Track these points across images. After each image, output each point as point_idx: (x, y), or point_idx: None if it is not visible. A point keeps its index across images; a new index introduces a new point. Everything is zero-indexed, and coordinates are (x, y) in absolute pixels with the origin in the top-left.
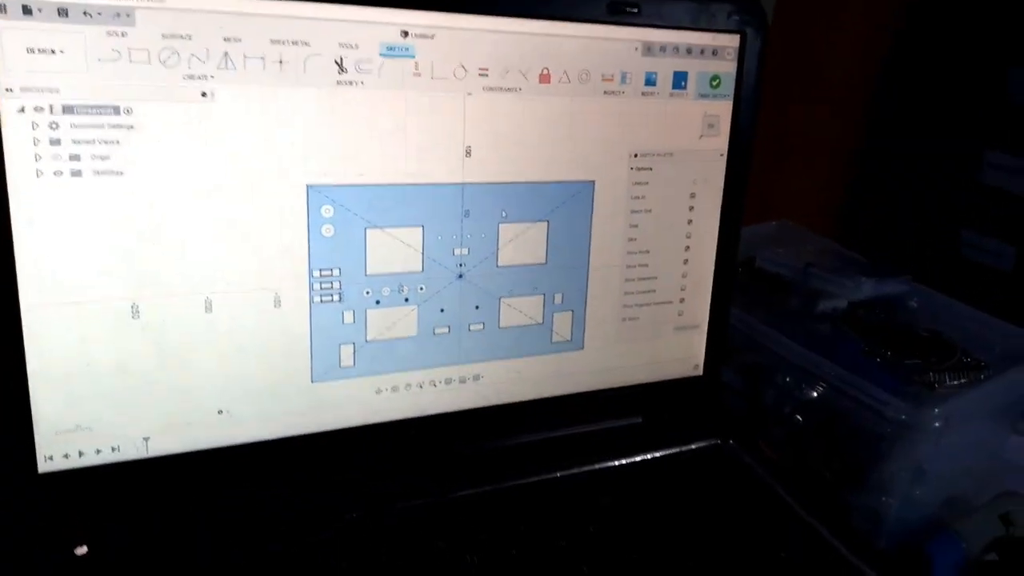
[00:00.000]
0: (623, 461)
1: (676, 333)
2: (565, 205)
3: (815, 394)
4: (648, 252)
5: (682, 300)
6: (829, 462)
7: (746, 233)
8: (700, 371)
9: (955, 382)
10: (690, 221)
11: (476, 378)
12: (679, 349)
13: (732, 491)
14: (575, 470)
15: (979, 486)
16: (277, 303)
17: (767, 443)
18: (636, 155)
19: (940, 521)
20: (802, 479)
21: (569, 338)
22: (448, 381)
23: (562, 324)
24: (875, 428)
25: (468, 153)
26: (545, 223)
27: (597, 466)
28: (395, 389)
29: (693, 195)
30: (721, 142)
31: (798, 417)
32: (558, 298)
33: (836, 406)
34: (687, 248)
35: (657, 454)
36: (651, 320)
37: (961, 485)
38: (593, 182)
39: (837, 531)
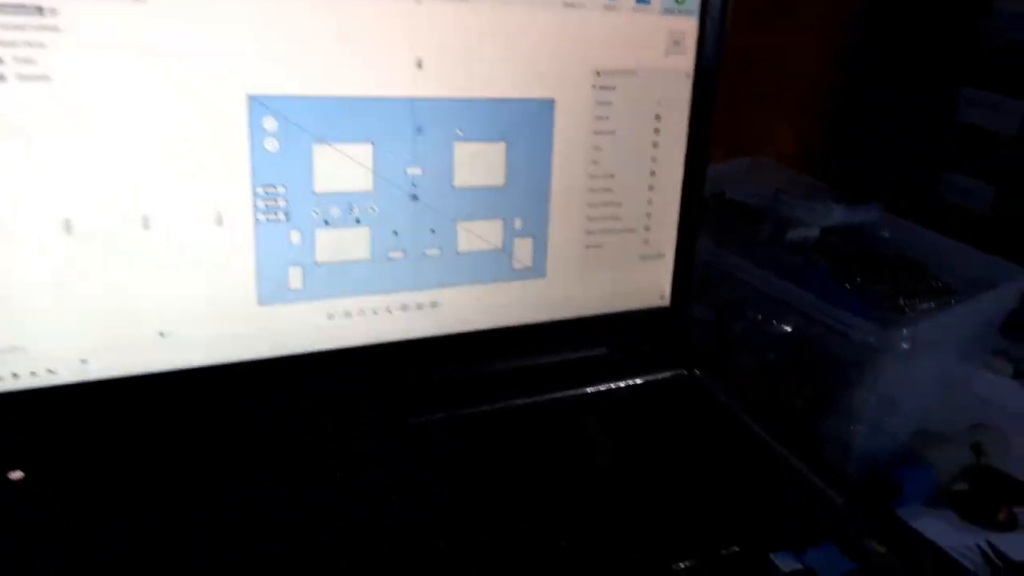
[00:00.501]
0: (586, 390)
1: (642, 262)
2: (524, 124)
3: (784, 322)
4: (612, 176)
5: (647, 228)
6: (800, 390)
7: (718, 170)
8: (667, 302)
9: (924, 306)
10: (655, 144)
11: (434, 305)
12: (645, 279)
13: (697, 421)
14: (536, 399)
15: (951, 419)
16: (219, 221)
17: (737, 373)
18: (598, 73)
19: (912, 451)
20: (773, 408)
21: (530, 265)
22: (404, 307)
23: (523, 250)
24: (844, 354)
25: (419, 65)
26: (503, 143)
27: (559, 395)
28: (348, 315)
29: (658, 117)
30: (687, 62)
31: (768, 346)
32: (518, 223)
33: (806, 333)
34: (652, 173)
35: (621, 384)
36: (616, 248)
37: (933, 417)
38: (553, 100)
39: (804, 457)
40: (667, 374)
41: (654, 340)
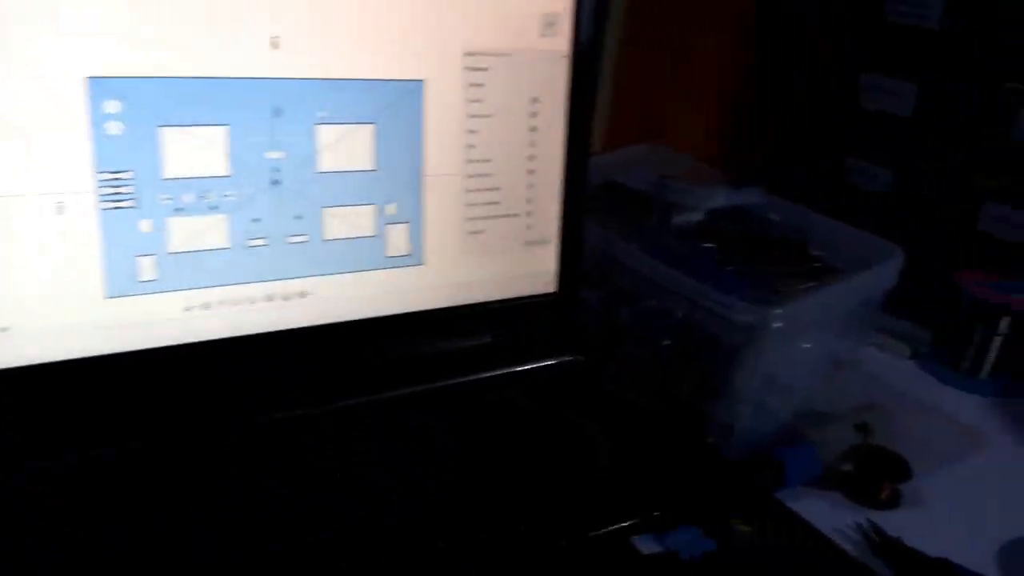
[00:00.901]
0: (472, 378)
1: (526, 248)
2: (392, 106)
3: (671, 307)
4: (490, 161)
5: (530, 213)
6: (687, 375)
7: (616, 156)
8: (553, 288)
9: (803, 286)
10: (534, 128)
11: (302, 295)
12: (531, 265)
13: (583, 408)
14: (412, 390)
15: (838, 399)
16: (60, 210)
17: (626, 359)
18: (470, 53)
19: (797, 432)
20: (660, 393)
21: (407, 252)
22: (270, 298)
23: (398, 237)
24: (726, 337)
25: (275, 44)
26: (372, 126)
27: (440, 384)
28: (207, 306)
29: (536, 100)
30: (563, 43)
31: (656, 331)
32: (391, 209)
33: (692, 318)
34: (532, 158)
35: (508, 371)
36: (498, 234)
37: (819, 398)
38: (422, 81)
39: (688, 442)
40: (555, 361)
41: (542, 327)
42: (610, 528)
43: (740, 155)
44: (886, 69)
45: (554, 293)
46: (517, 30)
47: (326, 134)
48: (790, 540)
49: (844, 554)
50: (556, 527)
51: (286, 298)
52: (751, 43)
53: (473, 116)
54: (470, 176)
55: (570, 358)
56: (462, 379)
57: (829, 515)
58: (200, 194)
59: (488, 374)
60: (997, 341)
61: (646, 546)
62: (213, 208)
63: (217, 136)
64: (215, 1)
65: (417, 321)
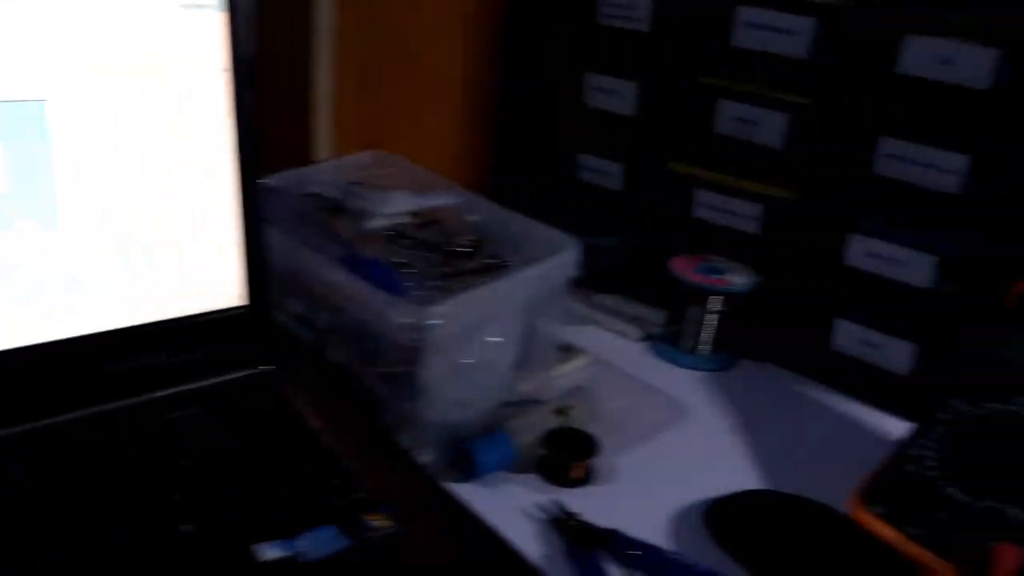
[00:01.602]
0: (160, 394)
1: (206, 263)
2: (16, 126)
3: (357, 313)
4: (145, 177)
5: (204, 228)
6: (380, 377)
7: (337, 163)
8: (242, 301)
9: (473, 283)
10: (191, 145)
11: None
12: (213, 280)
13: (273, 419)
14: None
15: (542, 388)
16: None
17: (324, 366)
18: (105, 68)
19: (497, 421)
20: (358, 397)
21: (74, 276)
22: None
23: (52, 259)
24: (400, 337)
25: None
26: None
27: (118, 404)
28: None
29: (187, 111)
30: (218, 57)
31: (348, 338)
32: (29, 229)
33: (375, 323)
34: (199, 171)
35: (198, 385)
36: (174, 250)
37: (517, 388)
38: (44, 101)
39: (381, 442)
40: (246, 373)
41: (233, 339)
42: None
43: (476, 158)
44: (607, 69)
45: (244, 306)
46: (164, 43)
47: None
48: (439, 531)
49: (500, 540)
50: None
51: None
52: (483, 46)
53: (119, 129)
54: (132, 195)
55: (261, 369)
56: (147, 396)
57: (523, 498)
58: None
59: (175, 390)
60: (711, 319)
61: (269, 552)
62: None
63: None
64: None
65: (100, 341)
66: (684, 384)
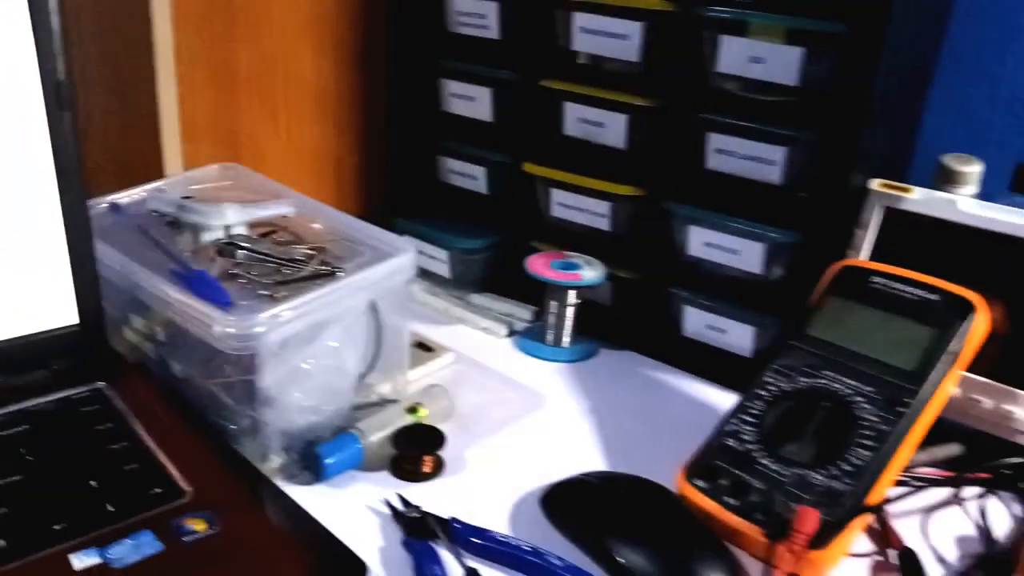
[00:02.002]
0: None
1: (34, 285)
2: None
3: (186, 326)
4: None
5: (32, 251)
6: (223, 388)
7: (184, 178)
8: (73, 320)
9: (309, 290)
10: (8, 171)
11: None
12: (42, 300)
13: (103, 434)
14: None
15: (400, 388)
16: None
17: (162, 381)
18: None
19: (349, 422)
20: (201, 408)
21: None
22: None
23: None
24: (232, 348)
25: None
26: None
27: None
28: None
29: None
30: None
31: (182, 351)
32: None
33: (203, 334)
34: (17, 197)
35: (32, 404)
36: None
37: (373, 389)
38: None
39: (222, 451)
40: (80, 390)
41: (65, 358)
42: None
43: (341, 165)
44: (463, 76)
45: (76, 324)
46: None
47: None
48: (259, 532)
49: (330, 534)
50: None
51: None
52: (344, 52)
53: None
54: None
55: (96, 385)
56: None
57: (370, 495)
58: None
59: (4, 411)
60: (569, 312)
61: (83, 559)
62: None
63: None
64: None
65: None
66: (545, 376)
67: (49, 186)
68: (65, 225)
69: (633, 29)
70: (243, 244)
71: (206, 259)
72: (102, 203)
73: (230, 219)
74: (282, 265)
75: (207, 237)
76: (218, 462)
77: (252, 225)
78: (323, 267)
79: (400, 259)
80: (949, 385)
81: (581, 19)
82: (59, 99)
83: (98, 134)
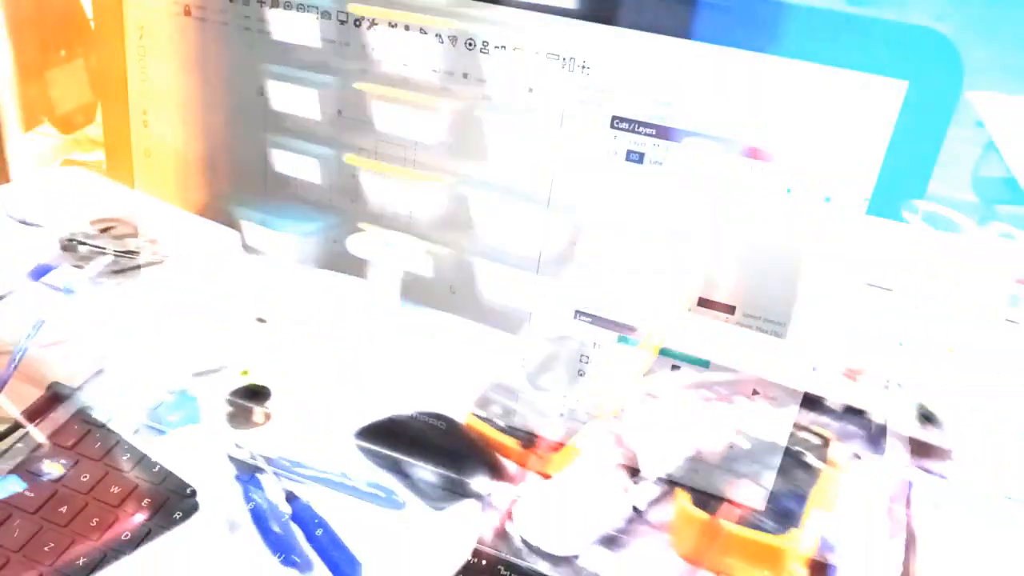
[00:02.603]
0: None
1: None
2: None
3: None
4: None
5: None
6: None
7: (28, 181)
8: None
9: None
10: None
11: None
12: None
13: None
14: None
15: (238, 356)
16: None
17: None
18: None
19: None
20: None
21: None
22: None
23: None
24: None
25: None
26: None
27: None
28: None
29: None
30: None
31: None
32: None
33: None
34: None
35: None
36: None
37: (213, 358)
38: None
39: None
40: None
41: None
42: None
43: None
44: None
45: None
46: None
47: None
48: (115, 472)
49: (167, 471)
50: None
51: None
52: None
53: None
54: None
55: None
56: None
57: (209, 444)
58: None
59: None
60: None
61: None
62: None
63: None
64: None
65: None
66: None
67: None
68: None
69: None
70: (84, 240)
71: (55, 255)
72: None
73: (73, 217)
74: (118, 257)
75: (55, 235)
76: (81, 424)
77: (93, 222)
78: (154, 258)
79: (224, 245)
80: None
81: None
82: None
83: None
